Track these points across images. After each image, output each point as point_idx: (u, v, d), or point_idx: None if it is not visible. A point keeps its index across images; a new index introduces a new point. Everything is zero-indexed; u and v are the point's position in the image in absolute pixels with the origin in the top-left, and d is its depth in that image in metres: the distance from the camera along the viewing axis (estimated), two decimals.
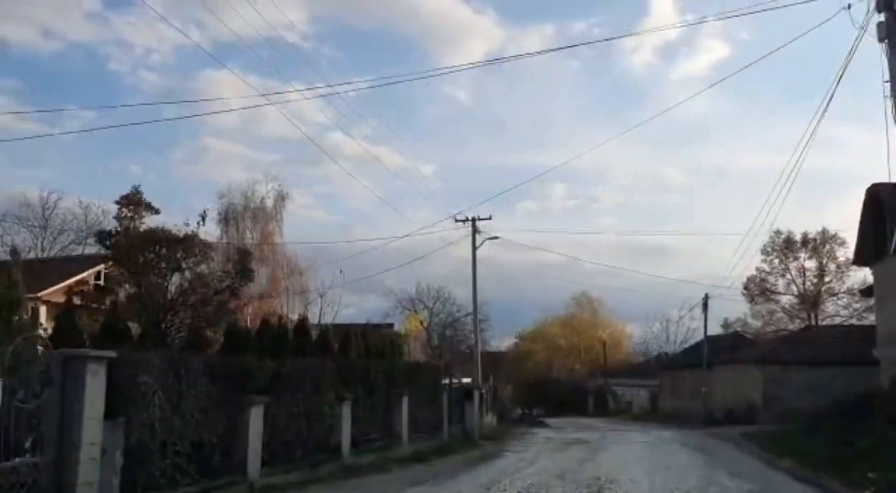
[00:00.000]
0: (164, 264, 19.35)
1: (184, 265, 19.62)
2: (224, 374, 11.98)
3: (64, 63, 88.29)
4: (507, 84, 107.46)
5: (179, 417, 10.64)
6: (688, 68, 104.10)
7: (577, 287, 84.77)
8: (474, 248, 35.51)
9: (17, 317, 13.67)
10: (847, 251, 56.29)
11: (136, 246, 19.58)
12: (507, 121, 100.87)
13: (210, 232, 39.07)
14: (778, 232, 57.96)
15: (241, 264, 22.00)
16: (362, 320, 47.94)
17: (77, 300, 20.54)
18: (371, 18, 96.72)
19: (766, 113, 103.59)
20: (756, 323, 59.18)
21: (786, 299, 58.94)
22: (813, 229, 57.25)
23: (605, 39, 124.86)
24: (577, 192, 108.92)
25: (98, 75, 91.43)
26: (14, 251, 33.39)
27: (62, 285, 28.18)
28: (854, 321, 48.57)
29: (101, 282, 28.76)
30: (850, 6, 14.16)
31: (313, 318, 41.47)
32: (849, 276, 56.22)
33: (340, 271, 40.99)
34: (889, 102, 13.37)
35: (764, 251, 58.20)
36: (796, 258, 58.00)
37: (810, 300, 56.97)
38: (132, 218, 24.43)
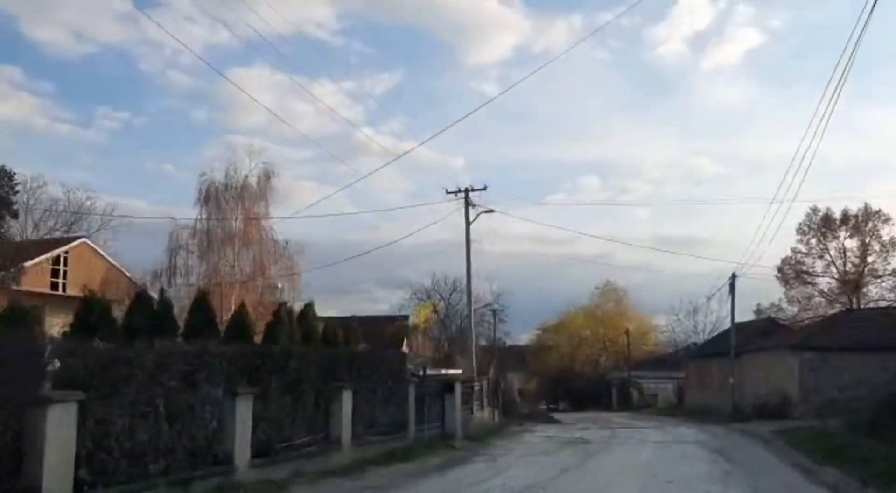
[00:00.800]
0: None
1: None
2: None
3: (96, 65, 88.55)
4: (536, 76, 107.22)
5: None
6: (719, 57, 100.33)
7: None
8: (468, 222, 31.55)
9: None
10: (892, 229, 51.54)
11: None
12: (537, 113, 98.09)
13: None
14: (815, 209, 53.19)
15: None
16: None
17: None
18: (397, 13, 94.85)
19: (803, 99, 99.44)
20: (792, 309, 54.34)
21: (824, 283, 54.08)
22: (854, 206, 52.40)
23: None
24: (610, 184, 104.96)
25: (129, 76, 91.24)
26: None
27: None
28: None
29: None
30: None
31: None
32: (895, 255, 51.48)
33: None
34: None
35: (800, 230, 53.45)
36: (836, 237, 53.09)
37: (852, 283, 52.07)
38: None
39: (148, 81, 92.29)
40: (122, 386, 9.90)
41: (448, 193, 31.56)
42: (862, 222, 51.88)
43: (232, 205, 38.57)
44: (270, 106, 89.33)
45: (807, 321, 46.19)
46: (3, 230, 25.72)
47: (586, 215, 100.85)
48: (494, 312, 69.40)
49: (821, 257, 53.50)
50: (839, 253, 52.87)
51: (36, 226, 40.36)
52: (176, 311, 19.49)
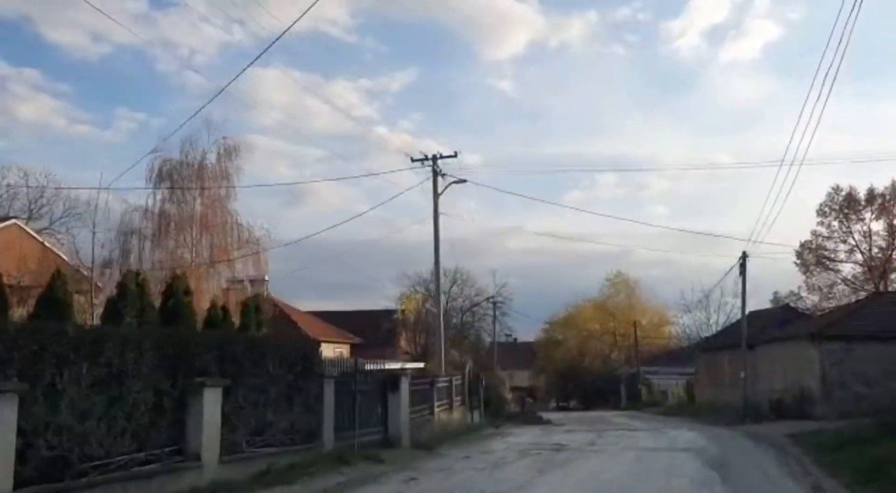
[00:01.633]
0: None
1: None
2: None
3: (113, 65, 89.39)
4: (552, 73, 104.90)
5: None
6: (736, 52, 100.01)
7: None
8: (435, 192, 27.46)
9: None
10: None
11: None
12: (553, 110, 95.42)
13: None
14: (837, 188, 48.63)
15: None
16: None
17: None
18: (411, 10, 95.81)
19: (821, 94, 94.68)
20: (812, 298, 49.82)
21: (848, 268, 49.52)
22: (880, 183, 47.74)
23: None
24: (627, 180, 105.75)
25: (146, 77, 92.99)
26: None
27: None
28: None
29: None
30: None
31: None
32: None
33: None
34: None
35: (820, 212, 48.92)
36: (860, 219, 48.48)
37: (878, 268, 47.51)
38: None
39: (164, 82, 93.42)
40: None
41: (414, 161, 27.47)
42: (890, 202, 47.26)
43: (189, 185, 34.56)
44: (286, 105, 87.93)
45: (829, 311, 41.65)
46: None
47: (605, 211, 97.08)
48: (495, 304, 64.87)
49: (844, 240, 48.98)
50: (864, 236, 48.30)
51: None
52: None
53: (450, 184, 27.41)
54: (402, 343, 53.03)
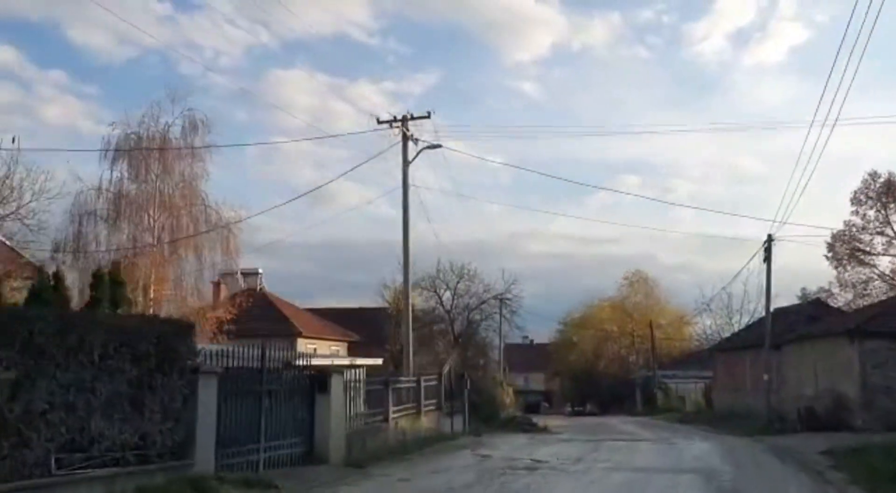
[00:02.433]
0: None
1: None
2: None
3: (139, 68, 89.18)
4: (575, 75, 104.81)
5: None
6: (761, 54, 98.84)
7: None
8: (405, 161, 23.46)
9: None
10: None
11: None
12: (577, 112, 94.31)
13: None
14: (874, 174, 43.92)
15: None
16: None
17: None
18: (434, 13, 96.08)
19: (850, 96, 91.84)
20: (845, 295, 44.97)
21: (886, 262, 44.74)
22: None
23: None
24: (651, 183, 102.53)
25: (172, 78, 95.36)
26: None
27: None
28: None
29: None
30: None
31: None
32: None
33: None
34: None
35: (855, 200, 44.22)
36: None
37: None
38: None
39: (189, 83, 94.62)
40: None
41: (380, 123, 23.46)
42: None
43: (149, 162, 30.82)
44: (309, 107, 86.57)
45: (868, 306, 37.01)
46: None
47: (629, 214, 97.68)
48: (502, 301, 60.14)
49: (881, 232, 44.12)
50: None
51: None
52: None
53: (422, 149, 23.44)
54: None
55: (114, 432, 9.96)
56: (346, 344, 42.50)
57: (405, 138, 23.29)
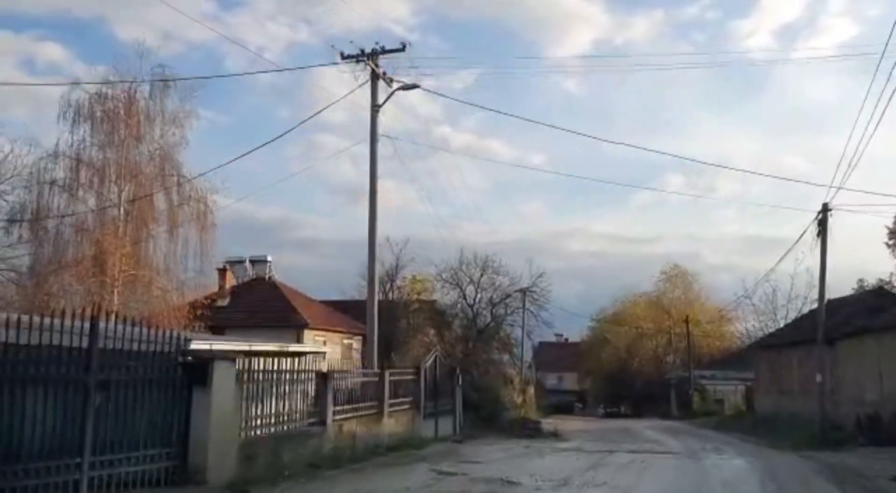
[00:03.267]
0: None
1: None
2: None
3: (184, 64, 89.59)
4: (617, 72, 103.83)
5: None
6: (809, 51, 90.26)
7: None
8: (374, 103, 19.17)
9: None
10: None
11: None
12: (619, 109, 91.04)
13: None
14: None
15: None
16: None
17: None
18: (473, 9, 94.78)
19: None
20: None
21: None
22: None
23: None
24: (695, 182, 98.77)
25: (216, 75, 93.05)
26: None
27: None
28: None
29: None
30: None
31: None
32: None
33: None
34: None
35: None
36: None
37: None
38: None
39: (233, 80, 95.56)
40: None
41: (345, 58, 19.17)
42: None
43: (114, 125, 27.15)
44: (350, 104, 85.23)
45: None
46: None
47: (672, 214, 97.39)
48: (524, 292, 55.02)
49: None
50: None
51: None
52: None
53: (395, 90, 19.18)
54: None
55: None
56: (361, 338, 38.90)
57: (374, 77, 19.07)
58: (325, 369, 14.98)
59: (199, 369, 10.94)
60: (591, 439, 25.20)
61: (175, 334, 11.59)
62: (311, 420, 14.26)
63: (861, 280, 42.01)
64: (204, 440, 10.79)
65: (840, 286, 45.94)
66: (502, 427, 26.41)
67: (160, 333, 10.94)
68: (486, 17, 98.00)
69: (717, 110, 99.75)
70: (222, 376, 11.15)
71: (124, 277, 25.43)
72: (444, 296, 47.45)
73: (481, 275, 51.26)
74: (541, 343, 73.00)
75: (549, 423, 40.17)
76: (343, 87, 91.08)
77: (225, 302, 34.30)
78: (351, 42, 21.65)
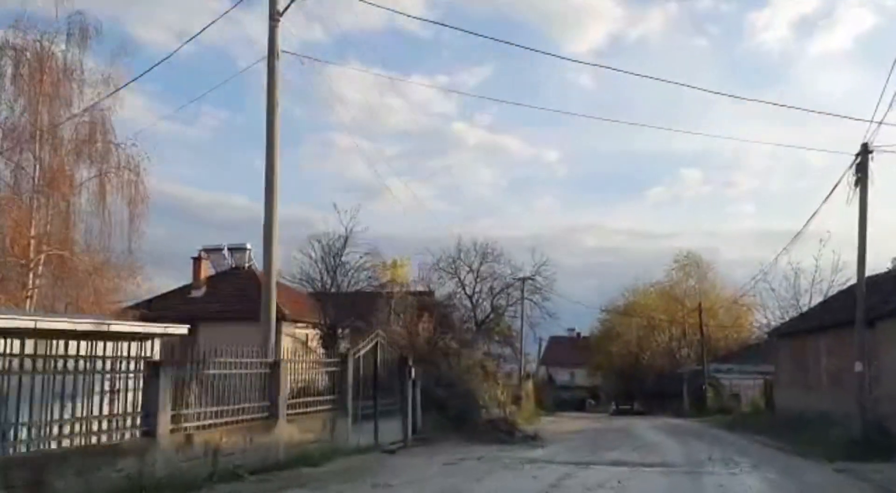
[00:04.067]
0: None
1: None
2: None
3: (198, 63, 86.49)
4: (631, 66, 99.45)
5: None
6: (826, 43, 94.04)
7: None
8: (273, 14, 14.83)
9: None
10: None
11: None
12: (634, 104, 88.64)
13: None
14: None
15: None
16: None
17: None
18: (487, 4, 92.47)
19: None
20: None
21: None
22: None
23: None
24: (712, 177, 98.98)
25: (229, 74, 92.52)
26: None
27: None
28: None
29: None
30: None
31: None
32: None
33: None
34: None
35: None
36: None
37: None
38: None
39: (246, 80, 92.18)
40: None
41: None
42: None
43: (26, 82, 23.15)
44: (363, 102, 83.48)
45: None
46: None
47: (689, 209, 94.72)
48: (524, 281, 50.12)
49: None
50: None
51: None
52: None
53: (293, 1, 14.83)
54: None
55: None
56: (348, 330, 35.08)
57: None
58: (155, 359, 10.60)
59: None
60: (576, 444, 20.81)
61: None
62: (145, 428, 9.98)
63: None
64: None
65: (872, 266, 41.26)
66: (475, 430, 21.94)
67: None
68: (499, 12, 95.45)
69: (732, 103, 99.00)
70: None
71: (41, 252, 21.85)
72: (441, 287, 43.48)
73: (480, 264, 46.87)
74: (552, 338, 69.30)
75: (550, 420, 35.89)
76: (356, 89, 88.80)
77: (200, 293, 31.02)
78: None
